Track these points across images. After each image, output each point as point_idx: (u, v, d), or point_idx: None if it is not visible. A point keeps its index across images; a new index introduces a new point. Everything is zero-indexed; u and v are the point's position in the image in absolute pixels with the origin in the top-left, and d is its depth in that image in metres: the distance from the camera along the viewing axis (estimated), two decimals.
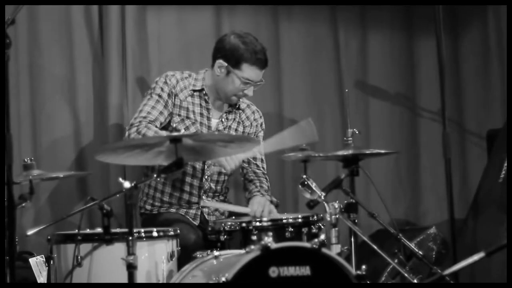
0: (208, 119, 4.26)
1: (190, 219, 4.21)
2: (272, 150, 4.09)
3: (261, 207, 3.99)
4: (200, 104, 4.27)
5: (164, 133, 4.00)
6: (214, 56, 4.23)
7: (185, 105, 4.23)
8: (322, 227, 3.80)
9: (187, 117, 4.23)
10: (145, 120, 4.10)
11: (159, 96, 4.19)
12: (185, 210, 4.25)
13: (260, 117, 4.47)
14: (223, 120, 4.31)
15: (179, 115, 4.21)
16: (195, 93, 4.26)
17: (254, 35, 4.24)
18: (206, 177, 4.27)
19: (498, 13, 5.69)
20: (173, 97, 4.21)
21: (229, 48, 4.15)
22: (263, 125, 4.47)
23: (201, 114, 4.26)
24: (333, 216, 3.55)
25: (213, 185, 4.30)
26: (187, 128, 4.18)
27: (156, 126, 4.09)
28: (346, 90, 4.59)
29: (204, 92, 4.26)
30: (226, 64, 4.15)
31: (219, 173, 4.30)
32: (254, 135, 4.40)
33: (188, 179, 4.25)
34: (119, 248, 3.28)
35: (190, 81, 4.28)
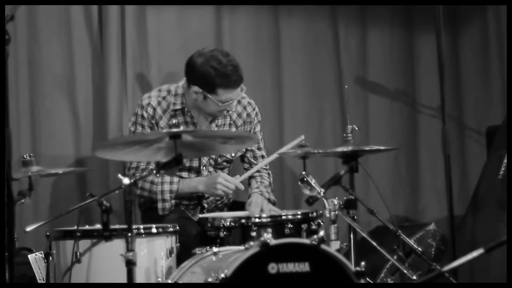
0: None
1: (189, 215, 4.21)
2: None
3: (258, 208, 4.00)
4: (185, 121, 4.18)
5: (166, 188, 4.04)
6: (188, 79, 4.11)
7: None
8: (322, 223, 3.79)
9: None
10: (138, 171, 4.10)
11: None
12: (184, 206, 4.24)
13: (253, 109, 4.35)
14: (213, 129, 4.23)
15: None
16: (177, 112, 4.17)
17: (222, 51, 4.10)
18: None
19: (498, 10, 5.68)
20: (155, 127, 4.13)
21: (200, 76, 4.02)
22: (259, 116, 4.37)
23: None
24: (332, 213, 3.55)
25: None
26: None
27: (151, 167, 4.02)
28: (346, 87, 4.57)
29: (185, 109, 4.17)
30: (201, 90, 4.04)
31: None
32: (250, 131, 4.32)
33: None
34: (118, 245, 3.27)
35: (169, 100, 4.16)
